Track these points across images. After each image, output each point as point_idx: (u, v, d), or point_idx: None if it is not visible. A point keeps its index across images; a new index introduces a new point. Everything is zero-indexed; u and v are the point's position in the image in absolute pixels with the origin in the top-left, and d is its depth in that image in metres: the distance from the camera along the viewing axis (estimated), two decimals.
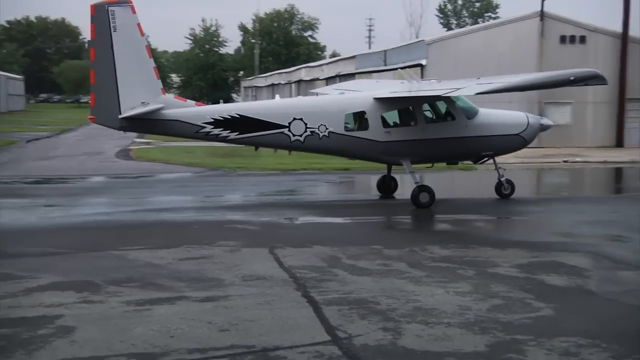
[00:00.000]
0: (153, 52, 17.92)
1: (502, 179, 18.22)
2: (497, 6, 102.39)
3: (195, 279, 9.97)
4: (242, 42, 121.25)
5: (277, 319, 8.13)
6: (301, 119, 16.71)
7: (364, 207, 17.40)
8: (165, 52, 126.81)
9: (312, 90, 24.02)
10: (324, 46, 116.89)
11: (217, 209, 16.70)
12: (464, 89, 15.79)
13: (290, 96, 59.33)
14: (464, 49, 33.58)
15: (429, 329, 7.81)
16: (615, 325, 8.02)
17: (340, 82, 49.28)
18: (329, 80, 53.45)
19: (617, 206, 17.61)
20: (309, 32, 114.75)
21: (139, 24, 16.44)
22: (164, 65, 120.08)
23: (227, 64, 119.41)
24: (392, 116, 17.28)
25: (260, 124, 16.66)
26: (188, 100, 17.62)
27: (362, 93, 18.28)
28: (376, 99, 17.18)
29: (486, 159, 18.05)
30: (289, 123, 16.69)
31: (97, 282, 9.72)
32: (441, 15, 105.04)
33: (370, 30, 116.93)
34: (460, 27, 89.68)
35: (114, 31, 16.15)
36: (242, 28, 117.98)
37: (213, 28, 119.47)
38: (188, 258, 11.27)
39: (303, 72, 63.22)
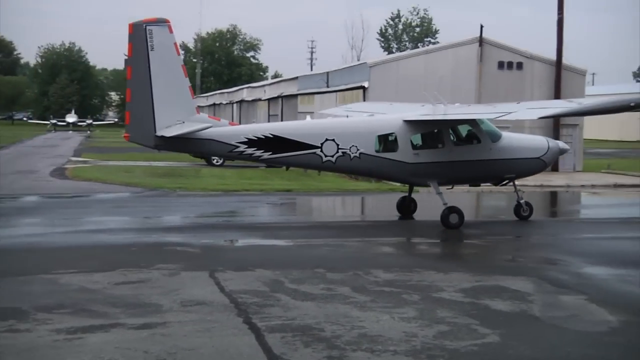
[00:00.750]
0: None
1: (522, 201, 18.47)
2: (436, 31, 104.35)
3: (132, 304, 9.52)
4: (184, 62, 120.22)
5: (217, 348, 7.77)
6: (333, 140, 16.87)
7: (306, 229, 17.15)
8: (104, 69, 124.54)
9: (313, 112, 23.82)
10: (266, 67, 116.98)
11: (156, 230, 16.19)
12: (515, 112, 15.92)
13: (232, 117, 58.95)
14: (406, 72, 33.88)
15: (375, 357, 7.59)
16: (561, 351, 7.95)
17: (284, 102, 49.35)
18: (272, 100, 53.34)
19: (554, 229, 17.81)
20: (251, 53, 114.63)
21: (175, 43, 16.60)
22: (103, 83, 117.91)
23: None
24: (421, 138, 17.52)
25: (293, 144, 16.78)
26: (222, 120, 17.54)
27: (391, 115, 18.42)
28: (406, 121, 17.41)
29: (507, 181, 18.38)
30: (322, 144, 16.84)
31: (24, 308, 9.17)
32: (382, 39, 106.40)
33: (312, 52, 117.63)
34: (401, 51, 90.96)
35: (151, 50, 16.19)
36: (184, 47, 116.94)
37: None
38: (124, 282, 10.80)
39: (245, 93, 62.89)
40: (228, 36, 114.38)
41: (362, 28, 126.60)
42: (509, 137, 18.16)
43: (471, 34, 35.19)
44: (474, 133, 17.66)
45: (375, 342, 8.05)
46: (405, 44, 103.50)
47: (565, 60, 35.11)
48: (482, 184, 19.72)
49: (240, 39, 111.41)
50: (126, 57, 16.94)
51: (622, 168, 34.91)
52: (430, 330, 8.53)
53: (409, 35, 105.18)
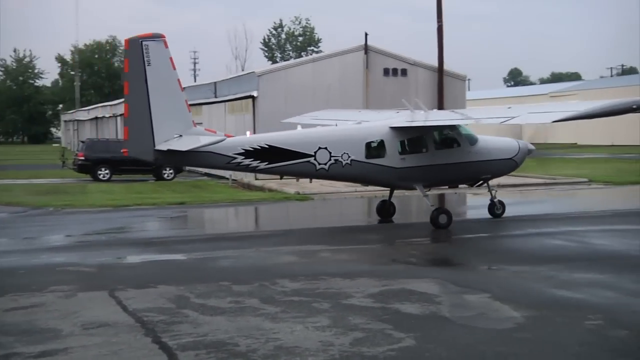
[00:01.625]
0: None
1: (495, 200, 19.60)
2: (319, 40, 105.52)
3: (27, 331, 8.86)
4: (61, 74, 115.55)
5: None
6: (326, 148, 17.36)
7: (204, 241, 16.74)
8: None
9: (285, 121, 23.93)
10: None
11: (45, 250, 15.27)
12: (518, 117, 16.30)
13: (116, 131, 56.99)
14: (294, 81, 33.94)
15: None
16: (475, 350, 8.05)
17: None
18: None
19: (445, 230, 18.15)
20: None
21: (171, 58, 16.61)
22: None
23: (45, 96, 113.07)
24: (407, 144, 18.20)
25: (289, 153, 17.18)
26: (218, 132, 17.71)
27: (378, 122, 18.93)
28: (392, 127, 18.07)
29: (482, 182, 19.44)
30: (315, 152, 17.29)
31: None
32: (266, 49, 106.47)
33: (195, 63, 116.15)
34: (285, 60, 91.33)
35: (148, 65, 16.29)
36: (60, 59, 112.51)
37: (27, 59, 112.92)
38: (15, 308, 10.08)
39: None
40: (107, 47, 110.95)
41: (245, 38, 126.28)
42: (484, 140, 19.02)
43: (354, 43, 35.75)
44: (454, 137, 18.52)
45: (293, 354, 7.86)
46: (289, 53, 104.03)
47: (446, 66, 36.29)
48: (459, 185, 20.69)
49: (120, 51, 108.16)
50: (123, 73, 16.46)
51: (523, 169, 36.26)
52: (346, 338, 8.44)
53: (292, 44, 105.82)
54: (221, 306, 10.03)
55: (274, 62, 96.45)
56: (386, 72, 35.36)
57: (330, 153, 17.36)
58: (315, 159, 17.28)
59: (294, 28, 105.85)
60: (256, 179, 32.58)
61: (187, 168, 38.82)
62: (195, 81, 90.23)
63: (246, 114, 34.75)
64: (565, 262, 13.13)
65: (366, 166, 17.71)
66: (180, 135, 16.63)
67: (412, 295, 10.59)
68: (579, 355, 7.90)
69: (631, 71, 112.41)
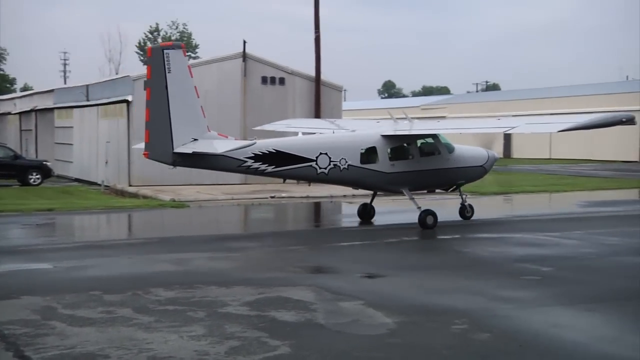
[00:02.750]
0: None
1: (466, 204, 21.44)
2: (197, 46, 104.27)
3: None
4: None
5: None
6: (326, 154, 18.73)
7: (74, 250, 16.06)
8: None
9: (257, 128, 25.40)
10: (14, 78, 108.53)
11: None
12: (518, 127, 18.24)
13: None
14: None
15: None
16: (350, 357, 8.20)
17: (38, 117, 46.06)
18: (24, 114, 49.55)
19: (323, 238, 18.46)
20: None
21: (189, 66, 17.90)
22: None
23: None
24: (396, 151, 19.82)
25: (293, 158, 18.43)
26: (229, 137, 19.16)
27: (371, 130, 20.47)
28: (383, 135, 19.66)
29: (456, 187, 21.20)
30: (317, 157, 18.61)
31: None
32: (141, 52, 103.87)
33: (65, 64, 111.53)
34: None
35: (169, 72, 17.32)
36: None
37: None
38: None
39: None
40: None
41: (119, 41, 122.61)
42: (459, 149, 20.87)
43: (232, 50, 35.59)
44: (436, 146, 20.31)
45: None
46: None
47: (323, 76, 36.85)
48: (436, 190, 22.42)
49: None
50: (145, 80, 18.01)
51: None
52: (221, 347, 8.36)
53: None
54: (91, 316, 9.67)
55: None
56: (264, 80, 35.45)
57: (330, 158, 18.74)
58: (316, 164, 18.61)
59: (171, 33, 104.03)
60: (130, 185, 31.70)
61: (57, 173, 37.21)
62: (65, 83, 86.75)
63: (120, 119, 33.75)
64: (435, 269, 13.65)
65: (361, 171, 19.24)
66: (196, 139, 17.68)
67: (288, 303, 10.64)
68: (445, 358, 8.23)
69: (495, 87, 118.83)
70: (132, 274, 13.03)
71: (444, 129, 21.18)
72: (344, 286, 11.98)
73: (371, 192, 21.53)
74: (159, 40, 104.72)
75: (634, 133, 54.60)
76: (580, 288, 11.92)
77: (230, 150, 17.77)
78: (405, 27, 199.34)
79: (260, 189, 30.99)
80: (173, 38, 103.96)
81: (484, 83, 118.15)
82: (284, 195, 28.95)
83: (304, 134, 21.73)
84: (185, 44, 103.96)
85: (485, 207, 26.59)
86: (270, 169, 18.31)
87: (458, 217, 21.45)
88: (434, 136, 20.31)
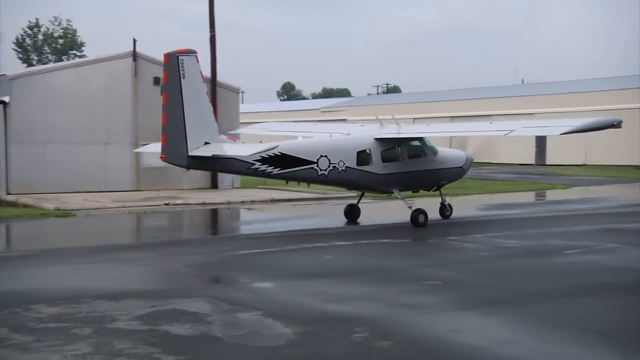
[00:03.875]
0: None
1: (445, 203, 23.42)
2: (82, 44, 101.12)
3: None
4: None
5: None
6: (326, 156, 20.34)
7: None
8: None
9: (232, 132, 26.75)
10: None
11: None
12: (516, 131, 19.96)
13: None
14: (55, 86, 32.16)
15: None
16: None
17: None
18: None
19: (219, 247, 18.29)
20: None
21: (200, 72, 19.28)
22: None
23: None
24: (388, 153, 21.60)
25: (297, 160, 19.99)
26: (237, 140, 20.75)
27: (365, 133, 22.16)
28: (376, 138, 21.40)
29: (437, 187, 23.16)
30: (317, 159, 20.23)
31: None
32: (20, 50, 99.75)
33: None
34: (43, 64, 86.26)
35: (183, 78, 18.69)
36: None
37: None
38: None
39: None
40: None
41: None
42: (442, 151, 22.99)
43: (122, 49, 34.77)
44: (422, 148, 22.20)
45: None
46: (48, 56, 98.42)
47: (220, 78, 36.55)
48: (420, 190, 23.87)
49: None
50: (162, 85, 19.14)
51: (277, 184, 37.37)
52: None
53: (51, 46, 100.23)
54: None
55: (30, 65, 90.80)
56: (157, 81, 34.71)
57: (329, 160, 20.38)
58: (317, 166, 20.24)
59: (53, 29, 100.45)
60: (8, 193, 30.33)
61: None
62: None
63: None
64: (336, 276, 13.78)
65: (357, 172, 20.94)
66: (208, 143, 19.10)
67: (183, 316, 10.47)
68: None
69: (395, 89, 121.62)
70: (10, 290, 12.44)
71: (436, 132, 23.63)
72: (242, 296, 11.91)
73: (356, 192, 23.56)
74: (40, 37, 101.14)
75: (530, 138, 57.08)
76: (480, 292, 12.34)
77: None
78: (306, 28, 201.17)
79: (153, 196, 30.42)
80: (56, 35, 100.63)
81: (385, 85, 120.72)
82: (178, 202, 28.51)
83: (303, 137, 23.49)
84: (70, 42, 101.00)
85: (387, 212, 27.11)
86: (275, 171, 19.87)
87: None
88: (420, 139, 22.19)
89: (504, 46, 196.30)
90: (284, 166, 19.88)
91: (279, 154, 19.74)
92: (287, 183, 21.72)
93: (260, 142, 21.81)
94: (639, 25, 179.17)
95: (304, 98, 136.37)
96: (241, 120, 39.15)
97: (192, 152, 18.89)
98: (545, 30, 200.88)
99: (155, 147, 24.66)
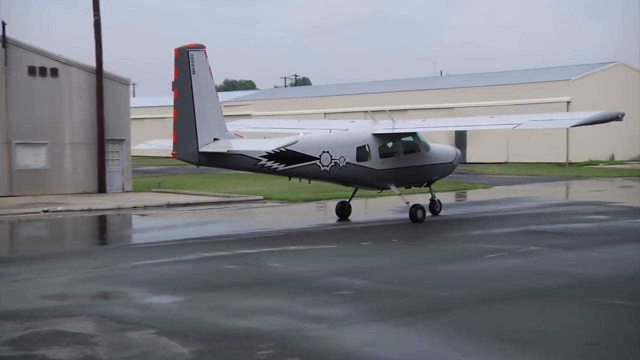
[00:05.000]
0: None
1: (435, 199, 25.48)
2: None
3: None
4: None
5: None
6: (328, 152, 22.15)
7: None
8: None
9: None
10: None
11: None
12: (523, 124, 22.30)
13: None
14: None
15: None
16: None
17: None
18: None
19: (107, 259, 17.95)
20: None
21: (209, 67, 20.76)
22: None
23: None
24: (385, 148, 23.58)
25: (301, 156, 21.75)
26: (243, 137, 22.45)
27: (362, 129, 24.17)
28: (374, 134, 23.41)
29: (429, 183, 25.35)
30: (320, 155, 22.02)
31: None
32: None
33: None
34: None
35: (193, 73, 20.31)
36: None
37: None
38: None
39: None
40: None
41: None
42: (434, 147, 24.88)
43: None
44: (416, 143, 24.31)
45: None
46: None
47: (107, 67, 35.77)
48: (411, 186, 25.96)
49: None
50: (173, 80, 20.55)
51: (173, 186, 37.10)
52: None
53: None
54: None
55: None
56: (32, 71, 33.82)
57: (331, 156, 22.13)
58: (320, 162, 22.00)
59: None
60: None
61: None
62: None
63: None
64: (239, 288, 13.74)
65: (356, 168, 22.83)
66: (217, 139, 20.65)
67: (63, 338, 10.20)
68: None
69: (305, 82, 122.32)
70: None
71: (434, 127, 25.38)
72: (132, 313, 11.72)
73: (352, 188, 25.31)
74: None
75: (449, 134, 58.47)
76: (396, 301, 12.55)
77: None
78: (204, 12, 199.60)
79: (30, 202, 29.58)
80: None
81: (293, 77, 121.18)
82: (60, 208, 27.80)
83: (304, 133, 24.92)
84: None
85: (297, 216, 27.26)
86: (281, 167, 21.56)
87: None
88: (414, 134, 24.24)
89: (422, 36, 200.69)
90: (288, 162, 21.63)
91: (284, 150, 21.44)
92: (289, 179, 23.39)
93: (265, 137, 24.61)
94: (562, 13, 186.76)
95: None
96: (132, 116, 38.51)
97: (203, 149, 20.46)
98: (464, 18, 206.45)
99: (159, 144, 27.81)
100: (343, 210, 24.89)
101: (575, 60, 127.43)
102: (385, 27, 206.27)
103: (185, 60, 20.27)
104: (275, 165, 21.44)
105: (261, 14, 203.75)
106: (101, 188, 34.83)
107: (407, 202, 23.43)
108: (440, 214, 25.42)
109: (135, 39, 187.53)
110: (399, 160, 23.87)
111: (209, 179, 43.51)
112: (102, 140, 35.00)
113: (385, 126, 24.15)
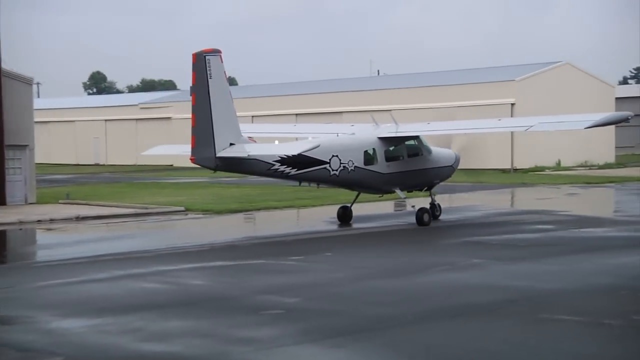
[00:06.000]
0: None
1: (435, 203, 26.94)
2: None
3: None
4: None
5: None
6: (337, 156, 24.07)
7: None
8: None
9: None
10: None
11: None
12: (534, 126, 24.70)
13: None
14: None
15: None
16: None
17: None
18: None
19: (8, 279, 17.56)
20: None
21: (224, 72, 22.44)
22: None
23: None
24: (391, 152, 25.60)
25: (312, 161, 23.66)
26: (257, 141, 24.04)
27: (368, 132, 26.01)
28: (380, 137, 25.36)
29: (430, 186, 27.03)
30: (330, 159, 23.95)
31: None
32: None
33: None
34: None
35: (210, 78, 21.81)
36: None
37: None
38: None
39: None
40: None
41: None
42: (435, 150, 26.66)
43: None
44: (419, 147, 26.18)
45: None
46: None
47: (5, 64, 34.99)
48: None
49: None
50: (191, 85, 22.14)
51: (83, 197, 36.48)
52: None
53: None
54: None
55: None
56: None
57: (340, 160, 24.05)
58: (330, 166, 23.94)
59: None
60: None
61: None
62: None
63: None
64: (157, 308, 13.61)
65: (364, 172, 24.71)
66: (233, 144, 22.28)
67: None
68: None
69: (231, 82, 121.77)
70: None
71: (439, 130, 27.40)
72: (36, 339, 11.57)
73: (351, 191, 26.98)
74: None
75: None
76: (329, 320, 12.61)
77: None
78: (118, 5, 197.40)
79: None
80: None
81: None
82: None
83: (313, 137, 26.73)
84: None
85: (222, 229, 27.14)
86: (293, 171, 23.44)
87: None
88: (417, 137, 26.12)
89: (357, 33, 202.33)
90: (300, 167, 23.47)
91: (297, 154, 23.20)
92: (300, 184, 25.43)
93: (276, 141, 26.39)
94: (505, 9, 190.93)
95: (119, 91, 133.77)
96: (36, 119, 37.76)
97: (221, 154, 22.02)
98: (403, 14, 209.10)
99: (162, 150, 30.95)
100: (345, 215, 26.60)
101: (520, 59, 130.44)
102: (317, 23, 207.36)
103: (202, 65, 21.80)
104: (287, 169, 23.28)
105: (181, 8, 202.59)
106: (1, 200, 33.97)
107: (413, 206, 25.54)
108: (438, 218, 26.79)
109: (40, 34, 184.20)
110: (404, 164, 25.81)
111: (124, 188, 43.01)
112: (1, 146, 34.12)
113: (389, 129, 26.05)
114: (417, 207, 25.33)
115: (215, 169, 22.71)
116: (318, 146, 23.78)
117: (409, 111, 55.37)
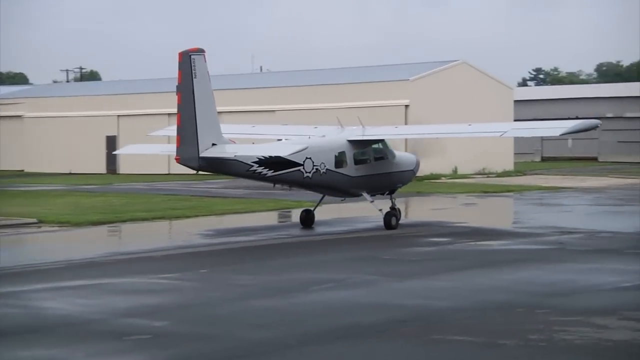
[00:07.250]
0: None
1: (396, 207, 28.78)
2: None
3: None
4: None
5: None
6: (310, 158, 25.90)
7: None
8: None
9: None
10: None
11: None
12: (507, 132, 29.60)
13: None
14: None
15: None
16: None
17: None
18: None
19: None
20: None
21: (208, 72, 24.61)
22: None
23: None
24: (359, 155, 27.69)
25: (287, 162, 25.50)
26: (236, 142, 26.22)
27: (339, 135, 28.10)
28: (349, 140, 27.48)
29: (392, 191, 29.10)
30: (303, 162, 25.78)
31: None
32: None
33: None
34: None
35: (195, 77, 24.05)
36: None
37: None
38: None
39: None
40: None
41: None
42: (398, 154, 29.09)
43: None
44: (385, 150, 28.55)
45: None
46: None
47: None
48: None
49: None
50: (177, 85, 24.10)
51: None
52: None
53: None
54: None
55: None
56: None
57: (313, 162, 25.93)
58: (303, 168, 25.79)
59: None
60: None
61: None
62: None
63: None
64: (2, 336, 13.26)
65: (335, 175, 26.76)
66: (215, 144, 24.37)
67: None
68: None
69: (93, 76, 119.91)
70: None
71: (407, 134, 32.31)
72: None
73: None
74: None
75: None
76: (202, 345, 12.56)
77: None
78: None
79: None
80: None
81: (78, 70, 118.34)
82: None
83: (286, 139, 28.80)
84: None
85: (82, 243, 26.64)
86: (269, 173, 25.42)
87: None
88: (382, 141, 28.47)
89: (237, 23, 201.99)
90: (276, 168, 25.41)
91: (273, 155, 25.14)
92: (274, 186, 27.98)
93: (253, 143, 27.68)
94: (398, 3, 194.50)
95: None
96: None
97: (204, 154, 24.08)
98: (288, 6, 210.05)
99: (133, 149, 34.15)
100: (307, 219, 28.64)
101: (416, 58, 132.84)
102: (191, 10, 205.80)
103: (188, 64, 23.85)
104: (264, 171, 25.26)
105: None
106: None
107: (380, 210, 27.37)
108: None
109: None
110: (371, 167, 28.01)
111: None
112: None
113: (356, 132, 28.16)
114: (384, 211, 27.36)
115: (198, 169, 24.89)
116: (306, 148, 25.79)
117: (294, 112, 55.70)
